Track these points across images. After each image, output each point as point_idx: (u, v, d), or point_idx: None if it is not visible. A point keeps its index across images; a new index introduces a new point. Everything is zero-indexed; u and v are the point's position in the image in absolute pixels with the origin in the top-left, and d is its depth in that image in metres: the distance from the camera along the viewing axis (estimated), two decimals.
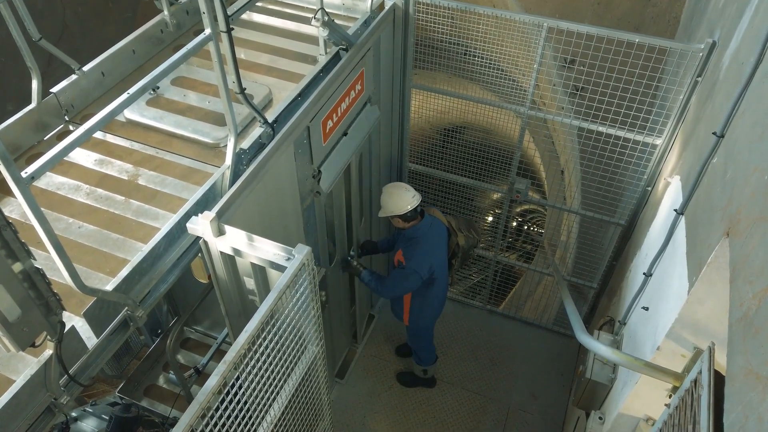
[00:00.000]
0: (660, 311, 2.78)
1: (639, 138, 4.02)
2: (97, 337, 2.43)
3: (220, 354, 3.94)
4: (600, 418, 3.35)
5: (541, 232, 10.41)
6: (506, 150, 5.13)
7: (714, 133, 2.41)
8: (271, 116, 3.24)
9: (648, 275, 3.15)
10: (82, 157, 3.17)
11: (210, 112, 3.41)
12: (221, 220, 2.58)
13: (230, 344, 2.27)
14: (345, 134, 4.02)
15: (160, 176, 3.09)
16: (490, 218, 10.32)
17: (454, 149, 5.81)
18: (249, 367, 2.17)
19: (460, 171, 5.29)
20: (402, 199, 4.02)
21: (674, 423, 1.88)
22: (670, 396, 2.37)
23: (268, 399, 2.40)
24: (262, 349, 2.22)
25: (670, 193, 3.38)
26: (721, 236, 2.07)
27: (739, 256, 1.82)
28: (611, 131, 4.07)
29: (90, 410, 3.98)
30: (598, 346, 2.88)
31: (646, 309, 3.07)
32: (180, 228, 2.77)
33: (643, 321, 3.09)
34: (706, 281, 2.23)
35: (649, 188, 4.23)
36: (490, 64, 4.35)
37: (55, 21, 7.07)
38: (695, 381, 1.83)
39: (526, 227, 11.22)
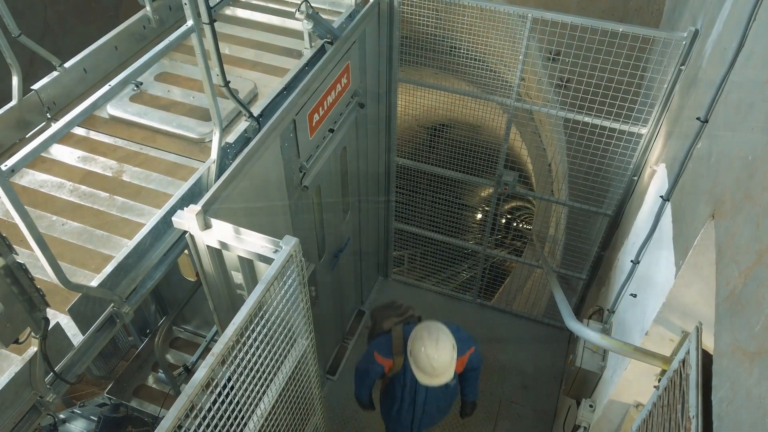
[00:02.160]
0: (648, 297, 2.80)
1: (624, 128, 4.05)
2: (83, 334, 2.40)
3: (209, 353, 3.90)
4: (591, 406, 3.37)
5: (530, 228, 10.47)
6: (493, 144, 5.14)
7: (698, 119, 2.43)
8: (256, 110, 3.22)
9: (635, 262, 3.17)
10: (65, 154, 3.13)
11: (194, 107, 3.38)
12: (207, 214, 2.56)
13: None
14: (331, 131, 4.00)
15: (144, 172, 3.05)
16: (479, 215, 10.35)
17: (442, 145, 5.81)
18: (238, 360, 2.15)
19: (448, 167, 5.29)
20: (448, 335, 3.19)
21: (663, 404, 1.89)
22: (659, 380, 2.39)
23: (258, 392, 2.38)
24: (250, 341, 2.21)
25: (656, 181, 3.40)
26: (707, 219, 2.08)
27: (725, 237, 1.83)
28: (597, 122, 4.09)
29: (78, 411, 3.93)
30: (587, 332, 2.89)
31: (634, 296, 3.08)
32: (166, 223, 2.75)
33: (632, 307, 3.11)
34: (693, 264, 2.24)
35: (636, 177, 4.26)
36: (476, 57, 4.35)
37: (36, 20, 6.99)
38: (683, 361, 1.84)
39: (514, 224, 11.27)
